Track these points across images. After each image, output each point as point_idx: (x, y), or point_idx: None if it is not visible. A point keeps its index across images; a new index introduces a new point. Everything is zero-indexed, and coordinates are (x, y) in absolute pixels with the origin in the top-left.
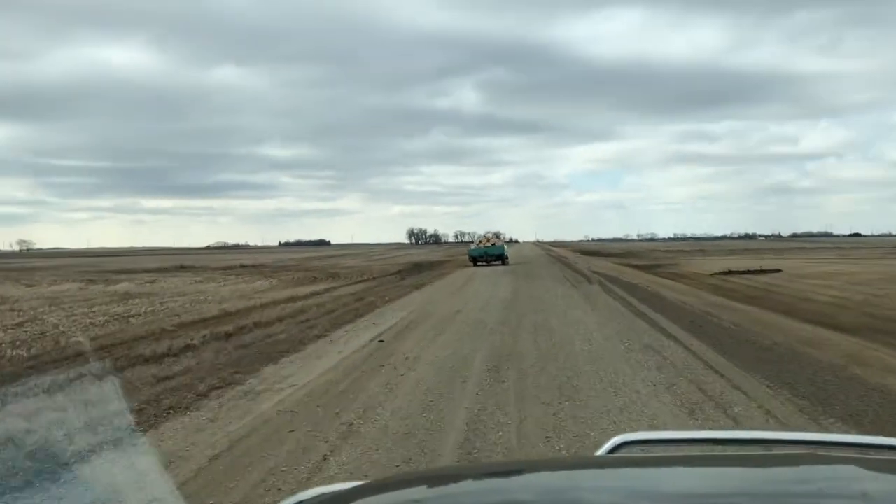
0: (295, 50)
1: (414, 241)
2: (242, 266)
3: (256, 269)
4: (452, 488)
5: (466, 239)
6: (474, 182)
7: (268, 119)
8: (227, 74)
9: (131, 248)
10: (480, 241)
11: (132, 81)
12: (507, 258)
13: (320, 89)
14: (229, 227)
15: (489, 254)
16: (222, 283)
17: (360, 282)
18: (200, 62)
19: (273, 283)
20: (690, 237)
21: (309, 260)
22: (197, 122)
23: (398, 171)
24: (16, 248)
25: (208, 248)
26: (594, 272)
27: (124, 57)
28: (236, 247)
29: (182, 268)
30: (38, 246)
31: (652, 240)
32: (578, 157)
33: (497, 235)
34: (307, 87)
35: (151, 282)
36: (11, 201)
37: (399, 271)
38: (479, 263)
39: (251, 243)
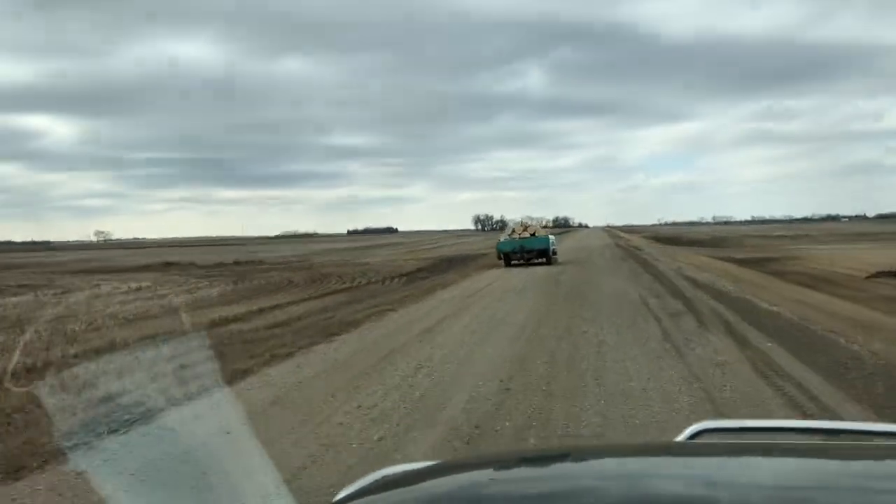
0: (360, 38)
1: (480, 227)
2: (237, 263)
3: (238, 269)
4: (527, 471)
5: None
6: (542, 166)
7: (335, 108)
8: (293, 65)
9: (206, 237)
10: (514, 231)
11: (202, 74)
12: (554, 254)
13: (386, 77)
14: (300, 216)
15: (526, 249)
16: (139, 296)
17: (337, 291)
18: (267, 54)
19: (211, 293)
20: (770, 220)
21: (337, 252)
22: (266, 113)
23: (465, 158)
24: (94, 238)
25: (278, 237)
26: (688, 277)
27: (194, 51)
28: (305, 235)
29: (167, 265)
30: (115, 237)
31: (728, 223)
32: (650, 139)
33: (539, 223)
34: (373, 76)
35: (61, 293)
36: (91, 194)
37: (418, 269)
38: (513, 262)
39: (320, 231)
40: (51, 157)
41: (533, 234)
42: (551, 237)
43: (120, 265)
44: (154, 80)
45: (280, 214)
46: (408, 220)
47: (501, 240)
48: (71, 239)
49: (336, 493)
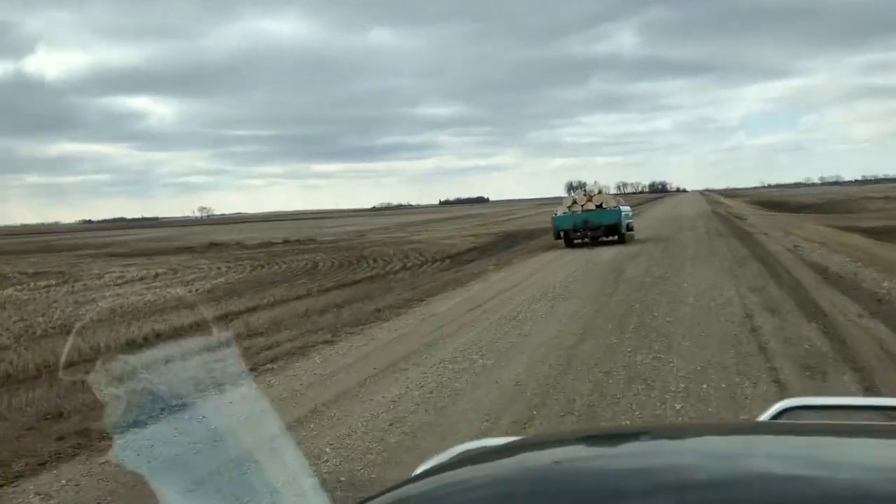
0: (447, 7)
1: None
2: (286, 242)
3: (277, 251)
4: (608, 450)
5: (629, 190)
6: (637, 129)
7: (423, 79)
8: (381, 37)
9: (302, 211)
10: (574, 203)
11: (293, 51)
12: (629, 230)
13: (473, 46)
14: (394, 187)
15: (591, 224)
16: (131, 289)
17: (352, 283)
18: (355, 27)
19: (216, 283)
20: (883, 179)
21: (409, 225)
22: (357, 87)
23: (556, 123)
24: (198, 214)
25: (373, 209)
26: (813, 264)
27: (286, 28)
28: (399, 207)
29: (211, 246)
30: (217, 212)
31: (836, 183)
32: (750, 98)
33: (611, 194)
34: (459, 45)
35: (55, 284)
36: (194, 171)
37: (469, 249)
38: (575, 241)
39: (413, 203)
40: (155, 137)
41: (600, 206)
42: (625, 209)
43: (163, 247)
44: (248, 58)
45: (374, 187)
46: (499, 189)
47: (558, 213)
48: (176, 215)
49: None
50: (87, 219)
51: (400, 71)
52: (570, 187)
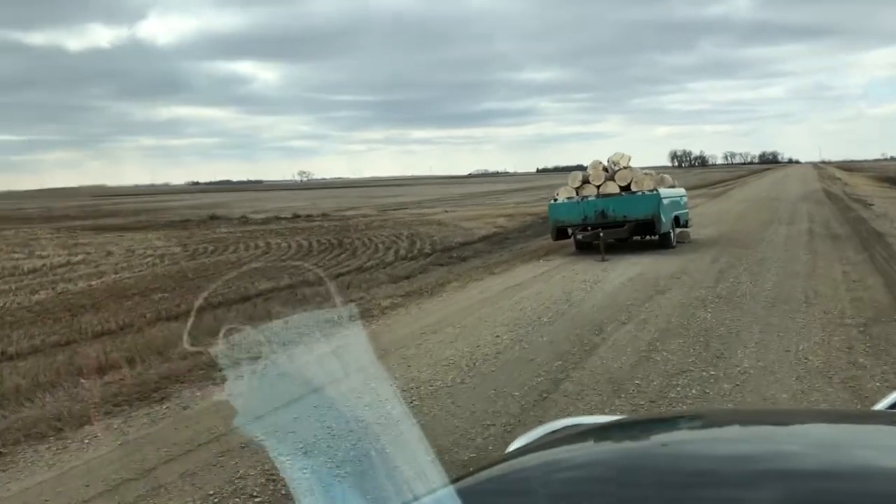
0: None
1: (677, 163)
2: (295, 216)
3: (265, 229)
4: (713, 432)
5: (737, 160)
6: (747, 97)
7: (525, 43)
8: (482, 1)
9: (401, 177)
10: (585, 182)
11: (396, 15)
12: (677, 226)
13: (576, 7)
14: (491, 154)
15: (611, 218)
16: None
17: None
18: None
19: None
20: None
21: (469, 197)
22: (457, 51)
23: (662, 90)
24: (297, 178)
25: (469, 175)
26: None
27: None
28: (496, 174)
29: (211, 219)
30: (316, 176)
31: None
32: (874, 63)
33: (649, 172)
34: (562, 6)
35: None
36: (297, 135)
37: (481, 238)
38: (590, 241)
39: (510, 170)
40: (260, 101)
41: (627, 188)
42: (671, 192)
43: (151, 221)
44: (351, 22)
45: (471, 153)
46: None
47: (558, 199)
48: (278, 178)
49: (511, 444)
50: (195, 180)
51: (501, 35)
52: (674, 156)
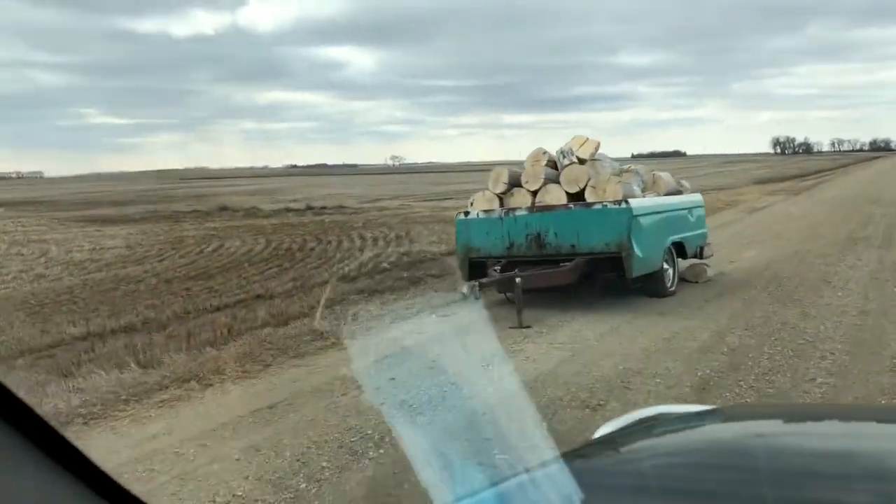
0: None
1: (780, 150)
2: (308, 208)
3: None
4: (808, 426)
5: (845, 148)
6: (859, 81)
7: (622, 25)
8: None
9: (491, 161)
10: (512, 187)
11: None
12: (693, 256)
13: None
14: None
15: (552, 249)
16: None
17: None
18: None
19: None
20: None
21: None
22: (551, 34)
23: (766, 74)
24: (389, 162)
25: None
26: None
27: None
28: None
29: (221, 210)
30: (408, 161)
31: None
32: None
33: (626, 167)
34: None
35: None
36: (391, 120)
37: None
38: (516, 288)
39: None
40: (356, 86)
41: (580, 195)
42: (669, 204)
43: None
44: (446, 7)
45: (565, 138)
46: (699, 143)
47: (470, 212)
48: (372, 162)
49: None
50: (293, 164)
51: (598, 16)
52: (776, 143)
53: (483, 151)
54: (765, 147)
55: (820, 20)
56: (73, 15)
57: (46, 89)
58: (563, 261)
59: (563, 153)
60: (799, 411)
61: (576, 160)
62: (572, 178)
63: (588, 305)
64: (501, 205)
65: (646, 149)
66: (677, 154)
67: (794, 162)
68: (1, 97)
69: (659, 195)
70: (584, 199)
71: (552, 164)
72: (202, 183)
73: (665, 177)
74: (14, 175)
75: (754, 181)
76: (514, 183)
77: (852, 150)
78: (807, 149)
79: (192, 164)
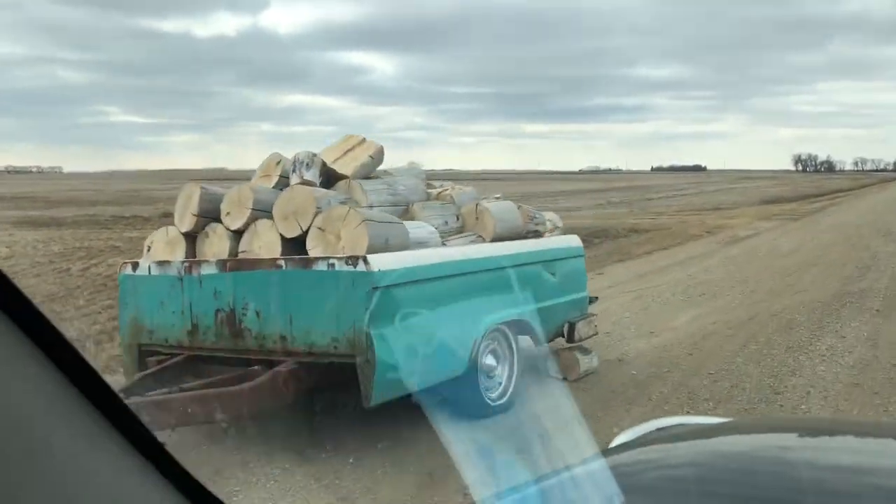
0: None
1: (801, 168)
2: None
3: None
4: (822, 441)
5: (869, 167)
6: (883, 100)
7: (640, 38)
8: None
9: (509, 170)
10: (209, 222)
11: (509, 7)
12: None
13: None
14: (603, 151)
15: (252, 341)
16: None
17: None
18: None
19: None
20: None
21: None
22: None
23: (787, 90)
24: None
25: (580, 171)
26: None
27: None
28: (608, 171)
29: (166, 216)
30: (426, 167)
31: None
32: None
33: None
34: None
35: None
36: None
37: None
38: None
39: (623, 168)
40: (376, 91)
41: (305, 236)
42: (509, 252)
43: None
44: (466, 15)
45: (583, 149)
46: (718, 158)
47: (141, 264)
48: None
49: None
50: None
51: (616, 29)
52: (798, 160)
53: (501, 160)
54: (786, 164)
55: (842, 36)
56: (98, 13)
57: (70, 86)
58: (269, 362)
59: (298, 163)
60: (818, 425)
61: (311, 178)
62: (290, 211)
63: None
64: (191, 253)
65: (665, 161)
66: (697, 168)
67: (812, 181)
68: (26, 93)
69: (482, 240)
70: (307, 255)
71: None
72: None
73: (500, 210)
74: (34, 169)
75: (761, 200)
76: (212, 213)
77: (876, 170)
78: (829, 167)
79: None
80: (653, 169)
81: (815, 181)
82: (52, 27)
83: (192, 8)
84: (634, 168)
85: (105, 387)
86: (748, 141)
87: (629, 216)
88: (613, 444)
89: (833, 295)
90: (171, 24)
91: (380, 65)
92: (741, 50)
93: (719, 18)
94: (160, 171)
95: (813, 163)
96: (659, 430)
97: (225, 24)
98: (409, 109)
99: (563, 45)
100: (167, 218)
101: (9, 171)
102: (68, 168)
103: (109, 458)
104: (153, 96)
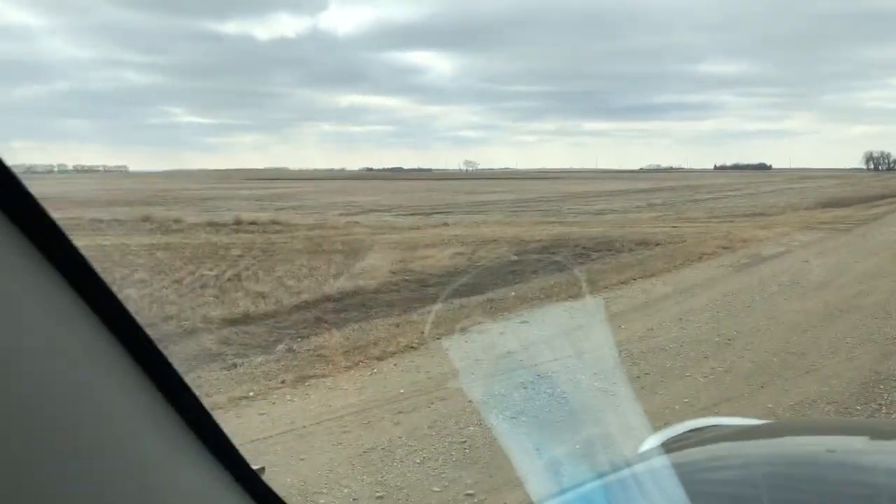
0: None
1: (872, 166)
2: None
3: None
4: (865, 443)
5: None
6: None
7: (706, 33)
8: None
9: (567, 169)
10: None
11: (568, 4)
12: None
13: None
14: (664, 149)
15: None
16: None
17: None
18: None
19: None
20: None
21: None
22: (632, 42)
23: (859, 86)
24: (463, 167)
25: (640, 170)
26: None
27: None
28: (669, 170)
29: (145, 220)
30: (482, 166)
31: None
32: None
33: None
34: None
35: None
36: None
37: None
38: None
39: (685, 166)
40: (433, 91)
41: None
42: None
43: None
44: (525, 13)
45: (643, 147)
46: (785, 156)
47: None
48: (446, 167)
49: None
50: (369, 167)
51: (680, 24)
52: (870, 158)
53: (560, 159)
54: (857, 163)
55: None
56: (163, 17)
57: (136, 88)
58: None
59: None
60: (849, 427)
61: None
62: None
63: None
64: None
65: (730, 160)
66: (762, 167)
67: (882, 180)
68: (94, 95)
69: None
70: None
71: None
72: (255, 185)
73: None
74: (100, 168)
75: (816, 203)
76: None
77: None
78: None
79: (272, 165)
80: (716, 167)
81: (884, 180)
82: (121, 31)
83: (253, 10)
84: (697, 166)
85: (199, 405)
86: (818, 139)
87: (654, 222)
88: (645, 446)
89: (862, 384)
90: (232, 27)
91: (437, 64)
92: (811, 45)
93: (788, 13)
94: (223, 170)
95: (886, 161)
96: (695, 430)
97: (285, 25)
98: (466, 108)
99: (625, 42)
100: (146, 221)
101: (77, 170)
102: (134, 167)
103: (195, 473)
104: (216, 97)
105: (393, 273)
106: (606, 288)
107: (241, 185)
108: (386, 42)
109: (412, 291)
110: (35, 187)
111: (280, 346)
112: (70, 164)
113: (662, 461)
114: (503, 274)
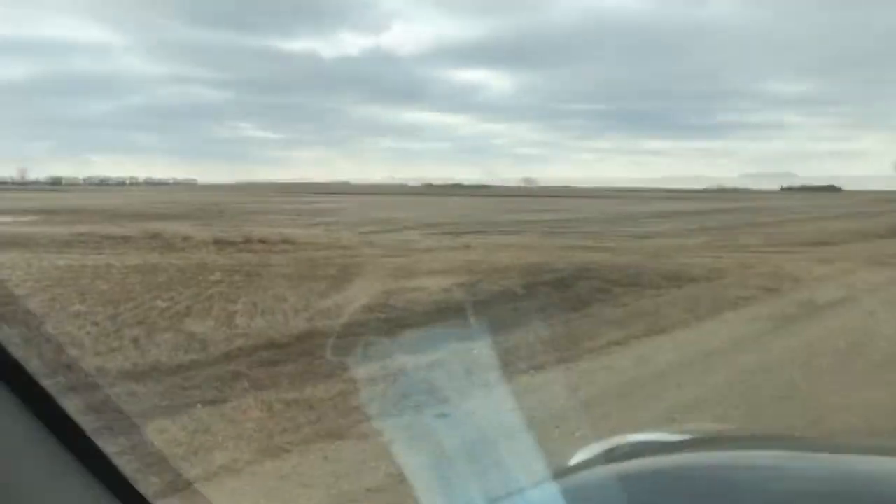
0: None
1: None
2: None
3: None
4: (790, 455)
5: None
6: None
7: (771, 53)
8: (722, 7)
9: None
10: None
11: (629, 24)
12: None
13: (831, 12)
14: (727, 168)
15: None
16: None
17: None
18: None
19: None
20: None
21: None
22: (694, 61)
23: None
24: (522, 184)
25: (705, 190)
26: None
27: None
28: (734, 190)
29: (153, 237)
30: (542, 184)
31: None
32: None
33: None
34: (814, 12)
35: None
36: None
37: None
38: None
39: (751, 187)
40: (493, 108)
41: None
42: None
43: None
44: (584, 31)
45: (706, 167)
46: (855, 178)
47: None
48: (507, 184)
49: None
50: (429, 182)
51: (745, 44)
52: None
53: (621, 176)
54: None
55: None
56: (232, 36)
57: (205, 104)
58: None
59: None
60: (771, 441)
61: None
62: None
63: None
64: None
65: (797, 181)
66: (832, 189)
67: None
68: (166, 110)
69: None
70: None
71: None
72: (311, 198)
73: None
74: (171, 181)
75: (889, 230)
76: None
77: None
78: None
79: (335, 178)
80: (783, 188)
81: None
82: (192, 48)
83: (318, 29)
84: (764, 187)
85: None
86: (891, 160)
87: (698, 250)
88: (574, 461)
89: None
90: (298, 45)
91: (496, 82)
92: (883, 63)
93: (858, 29)
94: (287, 183)
95: None
96: (616, 447)
97: (349, 44)
98: (526, 126)
99: (688, 60)
100: (165, 240)
101: (148, 183)
102: (203, 180)
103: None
104: (283, 112)
105: (368, 309)
106: (591, 352)
107: (296, 199)
108: (447, 60)
109: (378, 334)
110: (81, 200)
111: (151, 425)
112: (142, 177)
113: (582, 478)
114: (483, 319)
